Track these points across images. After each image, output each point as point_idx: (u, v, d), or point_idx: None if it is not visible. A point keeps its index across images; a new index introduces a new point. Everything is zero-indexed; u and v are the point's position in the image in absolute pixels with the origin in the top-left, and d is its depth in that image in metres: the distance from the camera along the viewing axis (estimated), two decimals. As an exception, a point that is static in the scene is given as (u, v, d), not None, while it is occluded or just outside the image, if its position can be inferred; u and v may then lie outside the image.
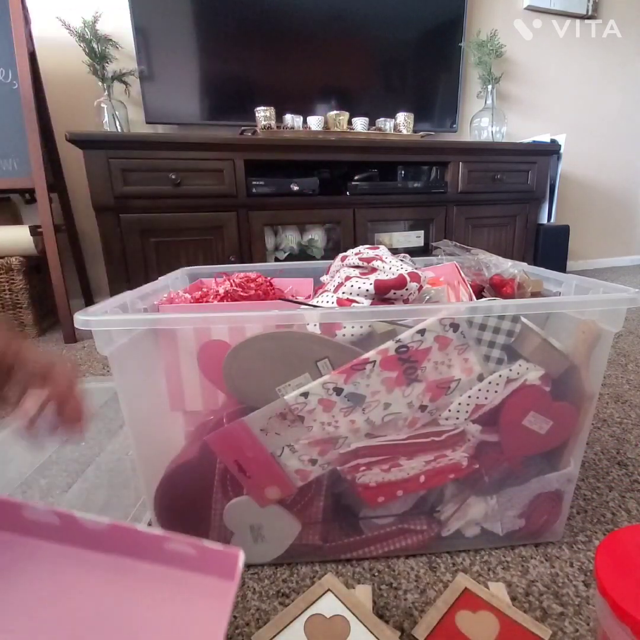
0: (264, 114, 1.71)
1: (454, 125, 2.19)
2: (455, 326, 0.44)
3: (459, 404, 0.47)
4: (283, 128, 1.80)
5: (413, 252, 1.92)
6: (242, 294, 0.62)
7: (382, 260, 0.58)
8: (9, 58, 1.42)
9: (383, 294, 0.51)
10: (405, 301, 0.52)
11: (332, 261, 0.68)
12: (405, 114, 1.93)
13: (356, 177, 1.83)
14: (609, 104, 2.54)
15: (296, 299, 0.63)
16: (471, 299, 0.58)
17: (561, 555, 0.54)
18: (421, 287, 0.53)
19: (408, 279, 0.51)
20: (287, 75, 1.89)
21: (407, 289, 0.51)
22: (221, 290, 0.63)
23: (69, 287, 1.59)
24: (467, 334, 0.45)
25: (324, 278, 0.66)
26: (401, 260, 0.60)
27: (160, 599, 0.34)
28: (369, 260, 0.58)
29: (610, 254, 2.81)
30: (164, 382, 0.52)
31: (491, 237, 2.07)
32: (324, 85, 1.96)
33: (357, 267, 0.59)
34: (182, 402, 0.54)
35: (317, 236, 1.81)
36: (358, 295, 0.52)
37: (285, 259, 1.82)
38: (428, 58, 2.06)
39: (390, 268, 0.55)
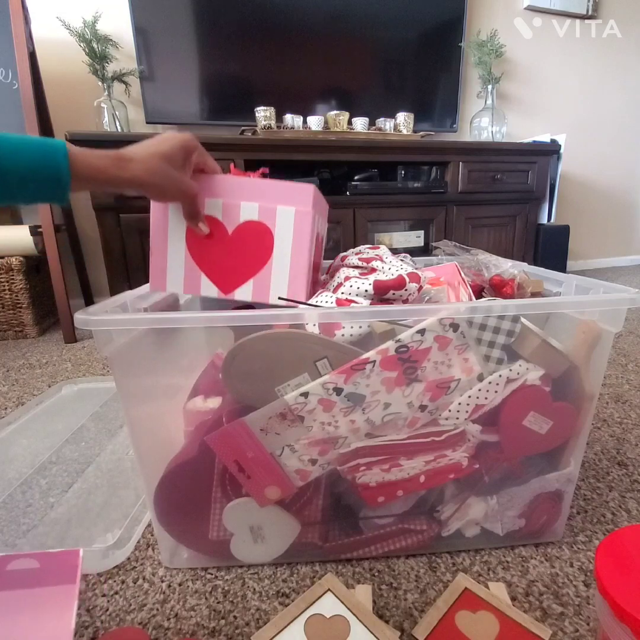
0: (264, 114, 1.71)
1: (454, 125, 2.19)
2: (455, 326, 0.44)
3: (459, 404, 0.47)
4: (283, 128, 1.80)
5: (413, 252, 1.92)
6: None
7: (382, 261, 0.58)
8: (9, 58, 1.42)
9: (382, 294, 0.51)
10: (405, 302, 0.52)
11: (332, 261, 0.68)
12: (405, 114, 1.93)
13: (356, 177, 1.83)
14: (609, 103, 2.54)
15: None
16: (471, 299, 0.58)
17: (561, 555, 0.54)
18: (421, 287, 0.53)
19: (407, 279, 0.51)
20: (287, 75, 1.89)
21: (406, 290, 0.51)
22: None
23: (69, 287, 1.59)
24: (467, 334, 0.45)
25: (324, 277, 0.66)
26: (402, 260, 0.60)
27: (5, 626, 0.33)
28: (368, 260, 0.58)
29: (610, 254, 2.81)
30: (162, 379, 0.52)
31: (491, 237, 2.07)
32: (324, 85, 1.95)
33: (357, 267, 0.59)
34: (163, 283, 0.54)
35: (317, 236, 1.81)
36: (357, 295, 0.52)
37: (285, 259, 1.82)
38: (428, 58, 2.06)
39: (389, 268, 0.55)
